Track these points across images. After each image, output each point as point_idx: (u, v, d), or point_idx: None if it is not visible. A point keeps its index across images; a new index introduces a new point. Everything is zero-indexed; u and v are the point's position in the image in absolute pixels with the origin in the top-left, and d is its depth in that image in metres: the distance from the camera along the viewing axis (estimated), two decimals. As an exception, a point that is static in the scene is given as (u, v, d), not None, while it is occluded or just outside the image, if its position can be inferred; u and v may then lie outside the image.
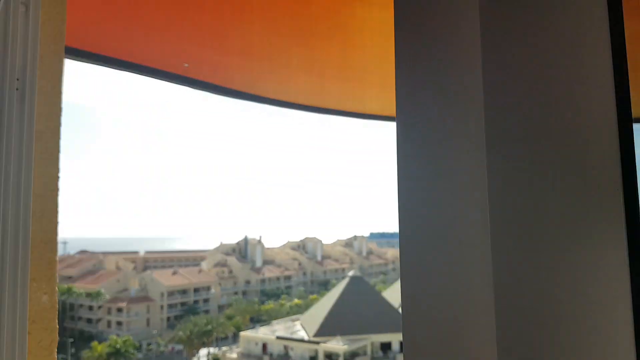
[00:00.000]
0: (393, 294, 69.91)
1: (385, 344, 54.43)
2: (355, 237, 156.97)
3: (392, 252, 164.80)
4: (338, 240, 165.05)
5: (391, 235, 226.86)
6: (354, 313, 56.58)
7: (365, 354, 52.89)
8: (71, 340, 79.63)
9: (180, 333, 70.48)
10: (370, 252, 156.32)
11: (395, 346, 53.95)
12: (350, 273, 67.48)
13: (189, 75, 2.28)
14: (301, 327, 60.96)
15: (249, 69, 2.28)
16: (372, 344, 53.84)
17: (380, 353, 53.99)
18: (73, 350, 75.70)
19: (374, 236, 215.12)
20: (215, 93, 2.39)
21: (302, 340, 55.88)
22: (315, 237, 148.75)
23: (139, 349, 78.10)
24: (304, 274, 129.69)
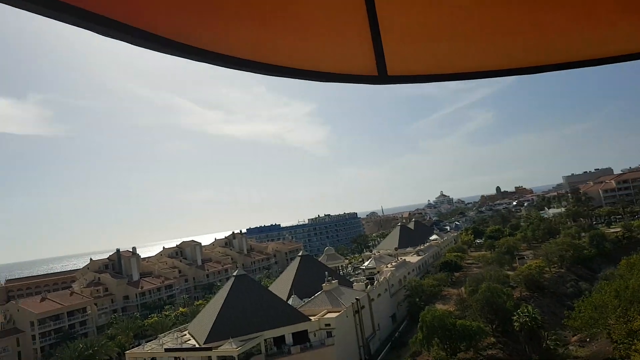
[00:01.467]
0: (280, 287, 72.95)
1: (279, 338, 57.05)
2: (233, 235, 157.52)
3: (272, 246, 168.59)
4: (216, 240, 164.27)
5: (269, 228, 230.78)
6: (244, 312, 58.27)
7: (259, 352, 55.07)
8: None
9: (60, 362, 66.60)
10: (250, 249, 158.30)
11: (289, 339, 56.93)
12: (235, 272, 68.94)
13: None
14: (190, 336, 61.21)
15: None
16: (266, 340, 56.13)
17: (274, 349, 56.47)
18: None
19: (252, 232, 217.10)
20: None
21: (193, 349, 56.31)
22: (192, 241, 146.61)
23: (12, 388, 72.06)
24: (186, 280, 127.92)
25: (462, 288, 75.65)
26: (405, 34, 2.44)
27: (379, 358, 62.49)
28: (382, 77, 2.50)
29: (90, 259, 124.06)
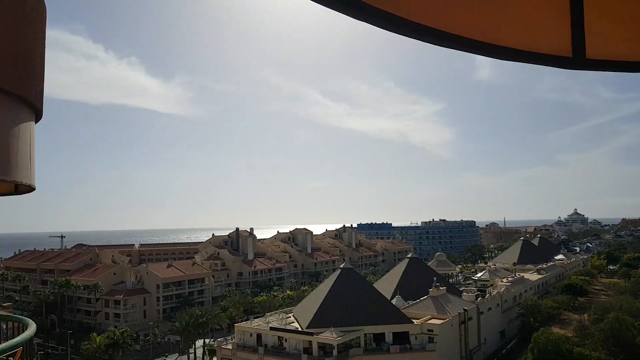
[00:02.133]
0: (384, 285, 72.50)
1: (378, 335, 56.84)
2: (344, 229, 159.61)
3: (381, 244, 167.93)
4: (327, 231, 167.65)
5: (379, 226, 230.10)
6: (347, 304, 58.81)
7: (358, 345, 55.34)
8: (70, 331, 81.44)
9: (177, 324, 72.64)
10: (359, 244, 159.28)
11: (389, 337, 56.48)
12: (342, 265, 69.71)
13: None
14: (294, 319, 63.12)
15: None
16: (365, 335, 56.24)
17: (373, 344, 56.39)
18: (72, 341, 77.59)
19: (362, 227, 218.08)
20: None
21: (295, 332, 58.01)
22: (304, 229, 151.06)
23: (136, 340, 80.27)
24: (295, 266, 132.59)
25: (586, 315, 69.07)
26: (616, 9, 2.04)
27: (482, 374, 59.34)
28: (577, 59, 2.09)
29: (213, 234, 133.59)
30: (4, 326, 7.20)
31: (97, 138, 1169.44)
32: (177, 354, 78.32)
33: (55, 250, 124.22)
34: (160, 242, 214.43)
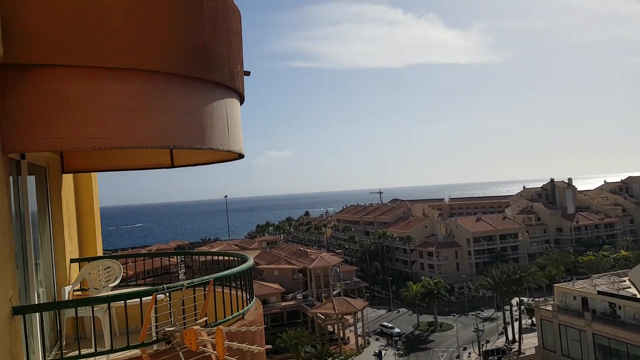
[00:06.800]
0: None
1: None
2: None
3: None
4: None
5: None
6: None
7: None
8: (390, 278, 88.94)
9: (489, 279, 70.27)
10: None
11: None
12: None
13: None
14: (630, 284, 52.79)
15: None
16: None
17: None
18: (393, 287, 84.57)
19: None
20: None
21: (632, 299, 48.32)
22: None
23: (450, 291, 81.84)
24: (631, 221, 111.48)
25: None
26: None
27: None
28: None
29: (524, 187, 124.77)
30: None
31: (403, 99, 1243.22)
32: (492, 310, 76.33)
33: (374, 204, 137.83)
34: (469, 196, 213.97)
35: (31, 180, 5.61)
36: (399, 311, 79.81)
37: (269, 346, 4.87)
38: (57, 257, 6.59)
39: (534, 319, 61.41)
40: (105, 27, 4.11)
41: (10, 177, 4.31)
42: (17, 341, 3.84)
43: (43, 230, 6.11)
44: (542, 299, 59.89)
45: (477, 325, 66.31)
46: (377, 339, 68.44)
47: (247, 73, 6.33)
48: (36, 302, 5.27)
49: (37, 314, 4.81)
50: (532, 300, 65.02)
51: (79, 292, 7.06)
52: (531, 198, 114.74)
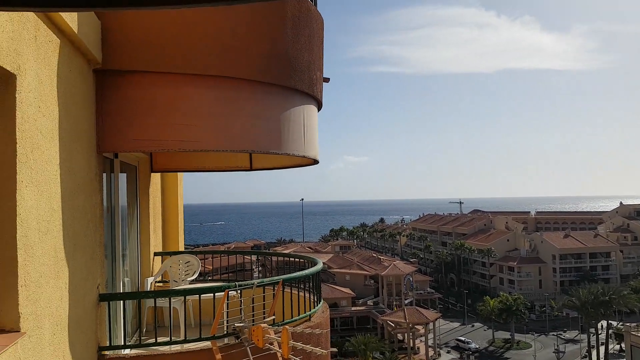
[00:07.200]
0: None
1: None
2: None
3: None
4: None
5: None
6: None
7: None
8: (466, 291, 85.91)
9: (575, 299, 65.71)
10: None
11: None
12: None
13: None
14: None
15: None
16: None
17: None
18: (469, 300, 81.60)
19: None
20: None
21: None
22: None
23: (531, 309, 77.54)
24: None
25: None
26: None
27: None
28: None
29: (620, 203, 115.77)
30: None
31: (491, 106, 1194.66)
32: (576, 332, 71.36)
33: (453, 214, 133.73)
34: (558, 210, 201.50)
35: (123, 178, 6.06)
36: (473, 325, 76.87)
37: (334, 349, 4.94)
38: (143, 250, 7.07)
39: (622, 345, 56.82)
40: (192, 37, 4.39)
41: (104, 175, 4.70)
42: (102, 326, 4.18)
43: (131, 225, 6.59)
44: (634, 324, 55.17)
45: (557, 346, 62.39)
46: (448, 351, 66.45)
47: (327, 80, 6.41)
48: (121, 291, 5.70)
49: (121, 301, 5.19)
50: (622, 325, 60.13)
51: (160, 284, 7.51)
52: (628, 215, 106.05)
